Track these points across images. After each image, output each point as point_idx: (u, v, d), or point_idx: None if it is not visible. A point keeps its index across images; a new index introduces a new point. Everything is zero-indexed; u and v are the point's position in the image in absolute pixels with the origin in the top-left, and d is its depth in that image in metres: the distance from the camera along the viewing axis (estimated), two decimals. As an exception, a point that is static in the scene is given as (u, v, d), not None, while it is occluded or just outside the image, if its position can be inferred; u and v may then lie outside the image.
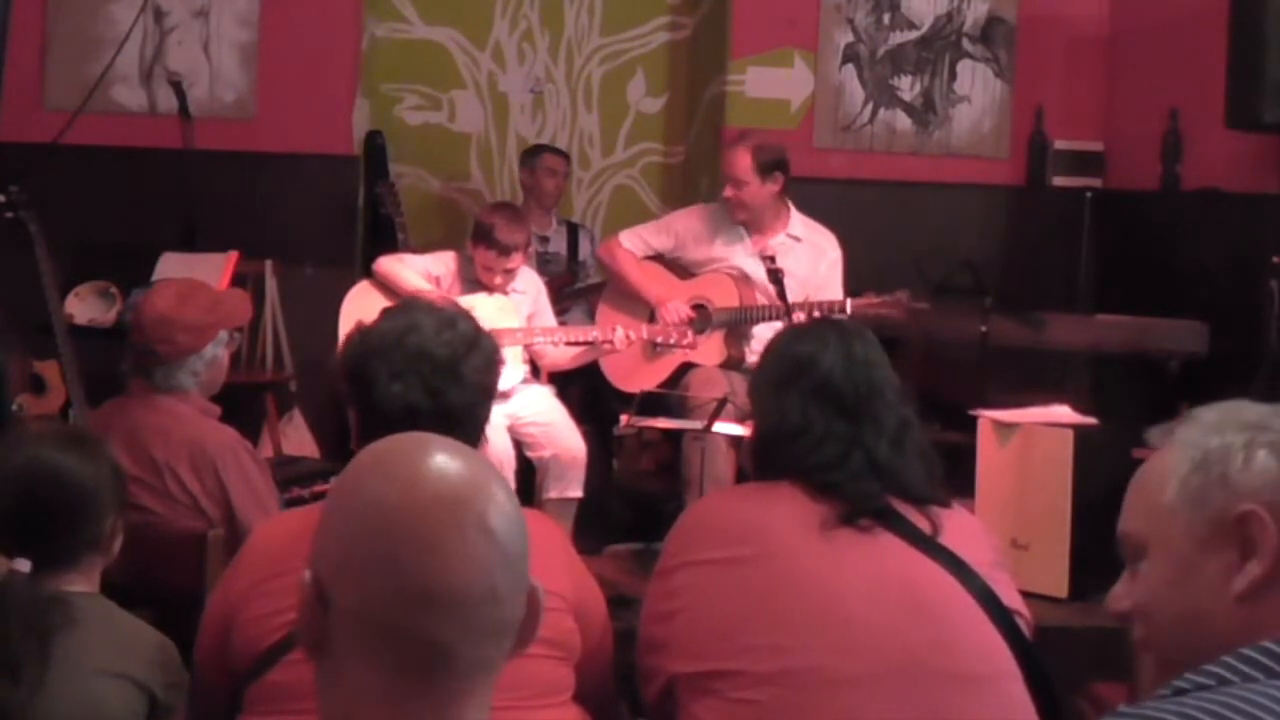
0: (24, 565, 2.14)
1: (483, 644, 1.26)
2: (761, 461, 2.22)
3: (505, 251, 4.56)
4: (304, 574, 1.27)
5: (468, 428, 2.12)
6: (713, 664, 1.98)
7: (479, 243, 4.59)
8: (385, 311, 2.26)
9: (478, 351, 2.18)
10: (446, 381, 2.12)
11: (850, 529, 2.04)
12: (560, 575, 2.12)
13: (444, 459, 1.28)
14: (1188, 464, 1.49)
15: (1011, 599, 2.08)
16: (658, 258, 4.92)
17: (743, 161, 4.70)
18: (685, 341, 4.58)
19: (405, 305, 2.28)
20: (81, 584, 2.27)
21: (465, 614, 1.23)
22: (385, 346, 2.14)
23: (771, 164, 4.70)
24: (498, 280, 4.61)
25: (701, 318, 4.77)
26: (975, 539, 2.13)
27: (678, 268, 4.90)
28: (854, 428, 2.12)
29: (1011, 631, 2.03)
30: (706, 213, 4.94)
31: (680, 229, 4.90)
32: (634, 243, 4.91)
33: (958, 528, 2.10)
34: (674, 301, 4.76)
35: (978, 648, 1.99)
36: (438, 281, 4.64)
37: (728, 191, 4.73)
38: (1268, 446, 1.46)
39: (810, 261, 4.79)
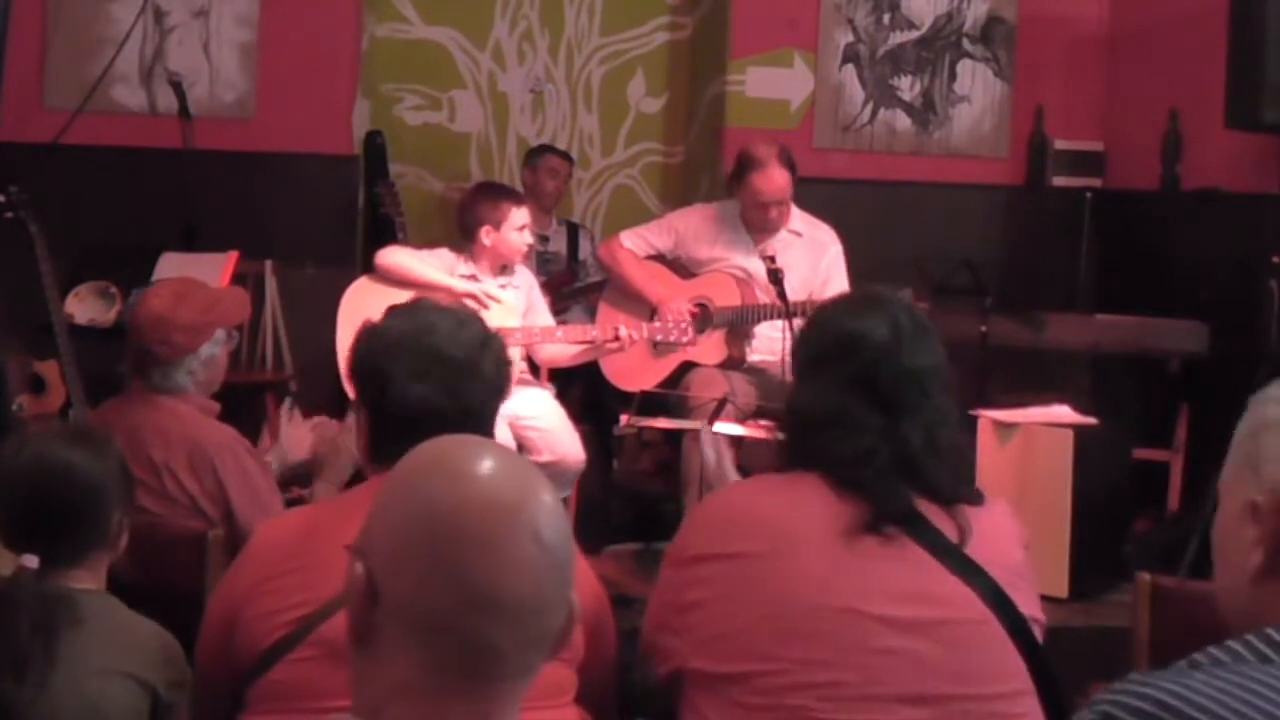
0: (32, 561, 2.15)
1: (528, 650, 1.28)
2: (790, 445, 2.15)
3: (519, 198, 4.61)
4: (355, 566, 1.28)
5: (484, 426, 2.13)
6: (727, 667, 1.96)
7: (499, 223, 4.55)
8: (393, 311, 2.24)
9: (489, 351, 2.18)
10: (465, 381, 2.12)
11: (874, 537, 1.99)
12: (579, 581, 2.10)
13: (495, 463, 1.30)
14: (1245, 429, 1.44)
15: (1030, 606, 2.05)
16: (659, 257, 4.92)
17: (786, 179, 4.70)
18: (685, 339, 4.58)
19: (416, 305, 2.26)
20: (88, 580, 2.27)
21: (516, 620, 1.26)
22: (402, 348, 2.13)
23: (795, 168, 4.75)
24: (529, 240, 4.64)
25: (702, 317, 4.77)
26: (1002, 541, 2.07)
27: (679, 267, 4.90)
28: (889, 421, 2.04)
29: (1028, 644, 2.00)
30: (708, 212, 4.95)
31: (681, 227, 4.91)
32: (635, 242, 4.92)
33: (985, 529, 2.05)
34: (676, 301, 4.76)
35: (993, 667, 1.97)
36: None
37: (772, 213, 4.71)
38: None
39: (812, 257, 4.80)
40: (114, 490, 2.31)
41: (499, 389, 2.19)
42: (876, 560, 1.98)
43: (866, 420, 2.03)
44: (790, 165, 4.73)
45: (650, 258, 4.93)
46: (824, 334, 2.15)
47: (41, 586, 2.15)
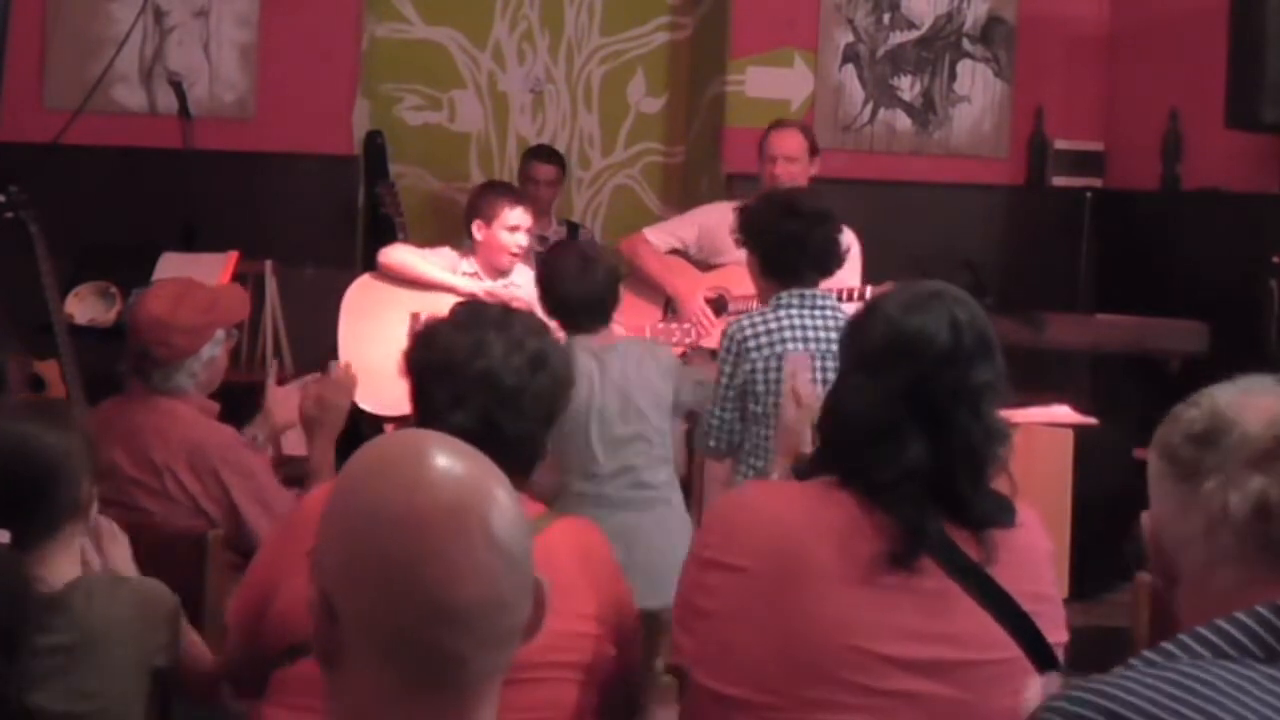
0: (4, 536, 2.12)
1: (495, 650, 1.25)
2: (826, 452, 2.04)
3: (518, 198, 4.58)
4: (311, 587, 1.25)
5: (522, 455, 2.07)
6: (732, 690, 1.90)
7: (489, 220, 4.54)
8: (456, 315, 2.19)
9: (545, 372, 2.12)
10: (506, 410, 2.07)
11: (898, 571, 1.89)
12: (605, 598, 2.08)
13: (445, 461, 1.26)
14: None
15: (1056, 632, 1.98)
16: (682, 254, 4.96)
17: (795, 140, 4.81)
18: (689, 340, 4.60)
19: (476, 315, 2.19)
20: (62, 555, 2.24)
21: (478, 626, 1.23)
22: (448, 368, 2.09)
23: (815, 146, 4.87)
24: (522, 243, 4.58)
25: (718, 302, 4.81)
26: (1030, 565, 1.99)
27: (698, 262, 4.94)
28: (935, 440, 1.91)
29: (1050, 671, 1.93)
30: (735, 207, 4.99)
31: (705, 221, 4.95)
32: (658, 236, 4.96)
33: (1014, 553, 1.96)
34: (694, 296, 4.80)
35: (1016, 708, 1.89)
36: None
37: (778, 169, 4.76)
38: (1155, 447, 1.48)
39: None
40: (79, 459, 2.27)
41: (548, 414, 2.14)
42: (899, 594, 1.89)
43: (913, 438, 1.91)
44: (808, 135, 4.86)
45: (673, 253, 4.96)
46: (879, 330, 2.00)
47: (16, 560, 2.11)
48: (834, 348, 3.46)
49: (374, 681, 1.23)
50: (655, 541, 3.45)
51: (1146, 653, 1.37)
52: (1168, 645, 1.37)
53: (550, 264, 3.79)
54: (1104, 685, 1.34)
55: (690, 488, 4.44)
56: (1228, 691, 1.31)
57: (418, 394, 2.14)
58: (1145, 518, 1.48)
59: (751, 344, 3.50)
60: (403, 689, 1.22)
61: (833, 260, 3.63)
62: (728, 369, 3.55)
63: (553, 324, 3.64)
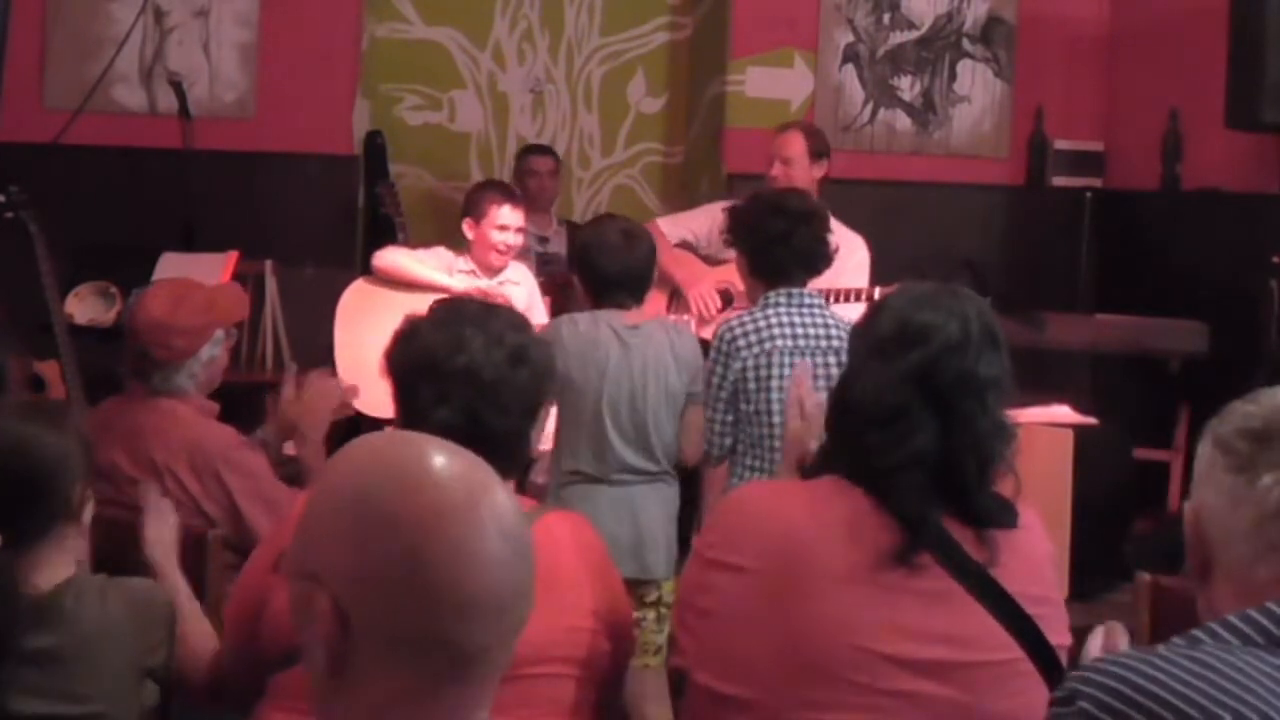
0: None
1: (510, 639, 1.27)
2: (833, 444, 2.03)
3: (509, 197, 4.56)
4: (317, 598, 1.24)
5: (509, 451, 2.07)
6: (731, 689, 1.90)
7: (479, 218, 4.54)
8: (434, 313, 2.19)
9: (525, 366, 2.12)
10: (488, 406, 2.07)
11: (902, 568, 1.88)
12: (601, 592, 2.09)
13: (443, 459, 1.27)
14: None
15: (1059, 634, 1.98)
16: (691, 247, 4.96)
17: (795, 142, 4.79)
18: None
19: (453, 312, 2.19)
20: (57, 558, 2.23)
21: (498, 616, 1.24)
22: (429, 366, 2.09)
23: (820, 149, 4.82)
24: (510, 242, 4.57)
25: (724, 295, 4.82)
26: (1032, 567, 1.98)
27: (706, 257, 4.94)
28: (942, 431, 1.91)
29: (1057, 678, 1.89)
30: (722, 209, 4.99)
31: (715, 215, 4.95)
32: (670, 227, 4.96)
33: (1016, 554, 1.95)
34: (702, 284, 4.80)
35: (1015, 710, 1.89)
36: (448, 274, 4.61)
37: (775, 170, 4.75)
38: (1208, 438, 1.51)
39: (838, 259, 4.83)
40: (74, 462, 2.26)
41: (530, 409, 2.14)
42: (901, 594, 1.88)
43: (920, 424, 1.91)
44: (810, 138, 4.82)
45: (682, 245, 4.97)
46: (889, 322, 2.00)
47: (6, 560, 2.10)
48: (822, 344, 3.50)
49: (388, 684, 1.23)
50: (643, 514, 3.53)
51: (1175, 638, 1.41)
52: (1195, 632, 1.40)
53: (592, 237, 3.77)
54: (1128, 661, 1.38)
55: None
56: (1254, 676, 1.34)
57: (400, 393, 2.14)
58: (1188, 507, 1.51)
59: (741, 343, 3.52)
60: (421, 688, 1.23)
61: (819, 259, 3.64)
62: (719, 370, 3.56)
63: (585, 297, 3.66)
